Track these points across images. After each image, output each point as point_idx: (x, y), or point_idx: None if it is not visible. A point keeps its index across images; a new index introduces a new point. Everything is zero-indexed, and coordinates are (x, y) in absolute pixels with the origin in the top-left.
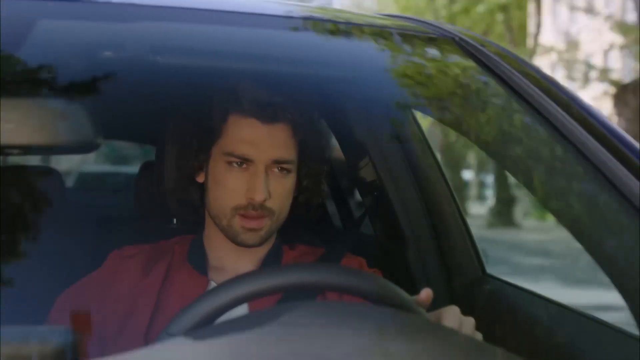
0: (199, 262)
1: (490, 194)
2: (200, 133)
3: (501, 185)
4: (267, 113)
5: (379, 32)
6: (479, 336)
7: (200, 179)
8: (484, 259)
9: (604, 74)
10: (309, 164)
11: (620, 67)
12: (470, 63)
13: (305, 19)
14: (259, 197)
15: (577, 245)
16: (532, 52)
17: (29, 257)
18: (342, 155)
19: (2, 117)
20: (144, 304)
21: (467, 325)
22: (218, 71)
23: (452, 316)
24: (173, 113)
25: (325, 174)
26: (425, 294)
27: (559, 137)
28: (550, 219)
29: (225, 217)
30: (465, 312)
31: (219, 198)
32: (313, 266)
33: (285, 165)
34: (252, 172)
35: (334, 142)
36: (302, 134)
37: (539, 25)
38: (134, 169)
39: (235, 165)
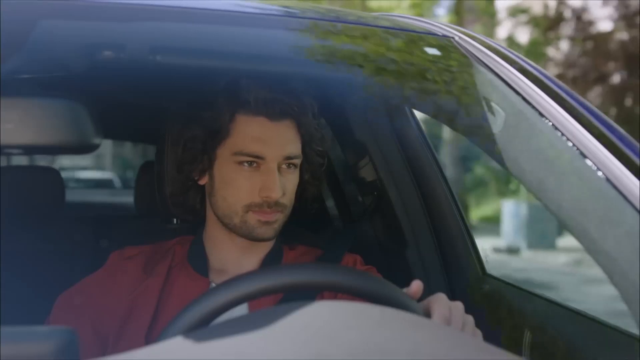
0: (200, 263)
1: None
2: (205, 135)
3: None
4: (274, 110)
5: (378, 31)
6: (470, 319)
7: (203, 181)
8: (484, 259)
9: None
10: (311, 158)
11: None
12: (469, 62)
13: (304, 18)
14: (275, 195)
15: None
16: None
17: (30, 256)
18: (342, 155)
19: (2, 117)
20: (145, 304)
21: (456, 310)
22: (219, 72)
23: (440, 302)
24: (173, 113)
25: (324, 168)
26: (416, 285)
27: (558, 135)
28: None
29: (237, 215)
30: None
31: (228, 198)
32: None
33: (293, 161)
34: (263, 170)
35: (334, 141)
36: (305, 128)
37: None
38: None
39: (245, 165)
